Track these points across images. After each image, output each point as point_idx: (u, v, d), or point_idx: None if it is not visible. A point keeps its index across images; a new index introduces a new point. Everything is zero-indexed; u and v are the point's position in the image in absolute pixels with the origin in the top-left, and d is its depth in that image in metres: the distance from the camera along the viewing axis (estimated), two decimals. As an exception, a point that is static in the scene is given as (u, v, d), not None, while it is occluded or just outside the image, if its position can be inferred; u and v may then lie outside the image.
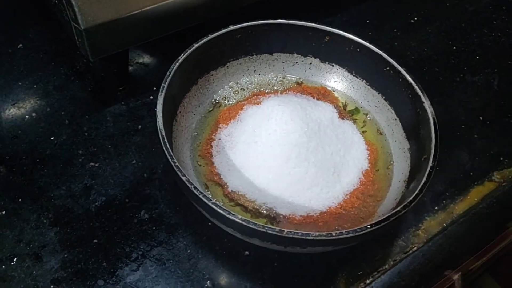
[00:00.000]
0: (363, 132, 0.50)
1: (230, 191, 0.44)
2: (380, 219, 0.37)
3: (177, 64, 0.45)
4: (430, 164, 0.41)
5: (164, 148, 0.40)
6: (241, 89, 0.52)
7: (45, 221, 0.44)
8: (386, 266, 0.44)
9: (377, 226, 0.37)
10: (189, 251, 0.44)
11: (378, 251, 0.44)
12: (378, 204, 0.45)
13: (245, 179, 0.44)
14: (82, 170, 0.48)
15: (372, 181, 0.46)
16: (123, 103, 0.53)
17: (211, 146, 0.47)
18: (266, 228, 0.36)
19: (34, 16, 0.60)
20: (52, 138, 0.50)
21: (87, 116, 0.52)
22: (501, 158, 0.52)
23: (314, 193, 0.44)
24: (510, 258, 0.74)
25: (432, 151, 0.42)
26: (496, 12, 0.67)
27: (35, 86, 0.54)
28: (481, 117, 0.55)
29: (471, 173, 0.50)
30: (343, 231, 0.36)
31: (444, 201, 0.48)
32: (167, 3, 0.46)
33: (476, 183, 0.50)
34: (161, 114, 0.41)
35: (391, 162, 0.47)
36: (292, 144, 0.44)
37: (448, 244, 0.46)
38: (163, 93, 0.43)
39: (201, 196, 0.37)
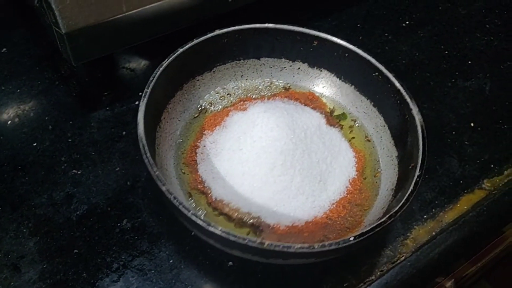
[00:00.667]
0: (351, 139, 0.49)
1: (214, 199, 0.43)
2: (364, 230, 0.37)
3: (161, 69, 0.44)
4: (417, 173, 0.40)
5: (144, 157, 0.39)
6: (227, 94, 0.51)
7: (24, 230, 0.43)
8: (373, 277, 0.43)
9: (360, 238, 0.36)
10: (171, 261, 0.43)
11: (364, 261, 0.44)
12: (365, 213, 0.44)
13: (229, 188, 0.43)
14: (65, 177, 0.47)
15: (359, 189, 0.45)
16: (108, 108, 0.52)
17: (196, 153, 0.46)
18: (247, 240, 0.35)
19: (18, 20, 0.59)
20: (34, 144, 0.49)
21: (71, 122, 0.51)
22: (492, 166, 0.51)
23: (299, 202, 0.43)
24: (505, 263, 0.73)
25: (420, 159, 0.41)
26: (489, 16, 0.66)
27: (18, 91, 0.53)
28: (472, 123, 0.54)
29: (461, 181, 0.50)
30: (326, 243, 0.35)
31: (433, 210, 0.47)
32: (152, 7, 0.46)
33: (466, 191, 0.49)
34: (142, 122, 0.40)
35: (379, 170, 0.46)
36: (277, 152, 0.44)
37: (437, 253, 0.45)
38: (145, 99, 0.42)
39: (180, 207, 0.36)
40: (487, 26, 0.65)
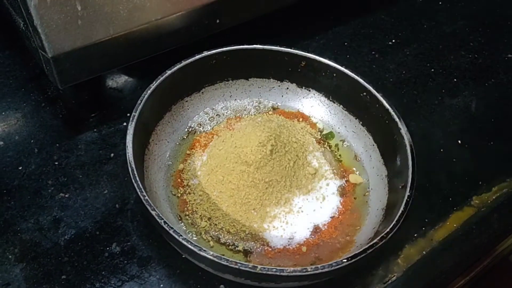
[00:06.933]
0: (340, 158, 0.49)
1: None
2: (356, 252, 0.36)
3: (149, 92, 0.44)
4: (407, 193, 0.40)
5: (134, 181, 0.38)
6: (216, 115, 0.51)
7: (10, 256, 0.42)
8: (365, 298, 0.43)
9: (353, 260, 0.36)
10: (162, 285, 0.42)
11: (356, 281, 0.43)
12: (356, 233, 0.44)
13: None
14: (51, 201, 0.46)
15: (350, 210, 0.45)
16: (95, 130, 0.52)
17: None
18: (239, 265, 0.35)
19: (4, 41, 0.59)
20: (20, 168, 0.48)
21: (57, 144, 0.50)
22: (480, 182, 0.51)
23: (292, 224, 0.43)
24: (494, 272, 0.73)
25: (409, 179, 0.41)
26: (473, 34, 0.67)
27: (3, 113, 0.52)
28: (459, 140, 0.55)
29: (450, 198, 0.50)
30: (318, 266, 0.35)
31: (423, 228, 0.47)
32: (139, 29, 0.45)
33: (455, 208, 0.49)
34: (131, 145, 0.40)
35: (368, 189, 0.46)
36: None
37: (428, 272, 0.45)
38: (133, 123, 0.41)
39: (171, 232, 0.36)
40: (471, 44, 0.65)
